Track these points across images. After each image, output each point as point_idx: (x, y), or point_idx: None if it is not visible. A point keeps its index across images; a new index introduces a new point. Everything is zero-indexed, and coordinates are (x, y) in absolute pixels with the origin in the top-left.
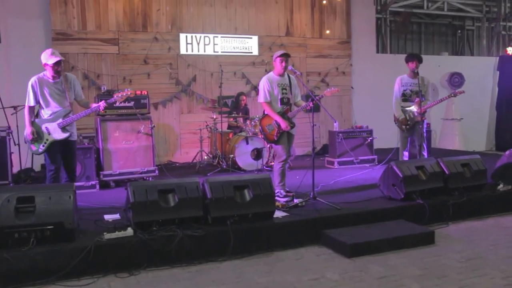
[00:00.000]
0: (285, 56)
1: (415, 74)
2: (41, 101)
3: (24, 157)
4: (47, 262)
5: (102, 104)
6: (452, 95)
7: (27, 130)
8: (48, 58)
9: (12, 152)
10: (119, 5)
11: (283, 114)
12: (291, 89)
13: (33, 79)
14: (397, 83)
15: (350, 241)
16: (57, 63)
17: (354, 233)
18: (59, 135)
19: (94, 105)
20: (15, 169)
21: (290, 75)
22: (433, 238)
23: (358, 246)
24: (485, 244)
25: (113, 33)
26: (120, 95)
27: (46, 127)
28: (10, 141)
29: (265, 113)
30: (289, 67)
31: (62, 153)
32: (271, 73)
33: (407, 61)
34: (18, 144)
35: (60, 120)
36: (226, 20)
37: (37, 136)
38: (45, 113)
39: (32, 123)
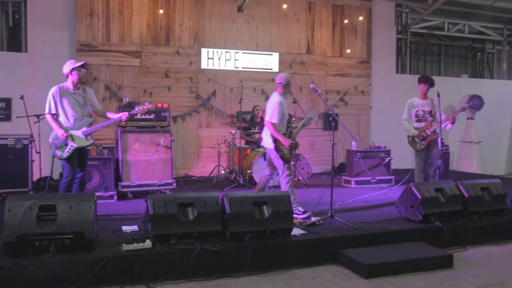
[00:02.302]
0: None
1: (425, 96)
2: (60, 111)
3: (44, 165)
4: (66, 271)
5: (124, 114)
6: (460, 110)
7: (59, 132)
8: (73, 64)
9: (33, 160)
10: (143, 19)
11: (290, 135)
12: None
13: (54, 89)
14: (407, 106)
15: (368, 261)
16: (84, 65)
17: (372, 253)
18: (83, 142)
19: (112, 114)
20: (35, 176)
21: (317, 93)
22: (451, 261)
23: (376, 267)
24: (505, 271)
25: (136, 46)
26: (141, 108)
27: (71, 134)
28: (32, 149)
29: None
30: (311, 85)
31: (78, 159)
32: (279, 94)
33: (419, 82)
34: (39, 152)
35: (85, 128)
36: (247, 36)
37: (64, 140)
38: (67, 121)
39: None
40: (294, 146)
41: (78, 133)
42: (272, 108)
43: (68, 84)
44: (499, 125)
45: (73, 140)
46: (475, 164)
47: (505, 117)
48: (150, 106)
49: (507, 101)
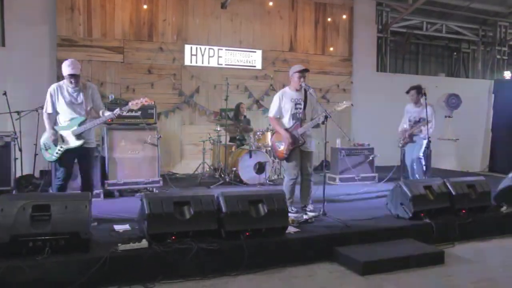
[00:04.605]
0: (304, 72)
1: (416, 103)
2: (58, 109)
3: (25, 162)
4: (61, 272)
5: (116, 111)
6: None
7: (48, 133)
8: (64, 69)
9: (17, 158)
10: (125, 14)
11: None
12: (306, 105)
13: (52, 87)
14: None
15: (363, 258)
16: (71, 76)
17: (366, 250)
18: (73, 142)
19: (107, 113)
20: (16, 175)
21: (309, 91)
22: (443, 258)
23: (371, 264)
24: (495, 266)
25: (118, 42)
26: (135, 102)
27: (61, 135)
28: (15, 146)
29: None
30: (303, 84)
31: (77, 160)
32: (286, 88)
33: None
34: (21, 150)
35: (75, 128)
36: (231, 33)
37: (53, 142)
38: (61, 121)
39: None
40: (294, 140)
41: (68, 133)
42: (272, 104)
43: (67, 81)
44: (476, 123)
45: (62, 140)
46: (452, 161)
47: (481, 115)
48: (145, 102)
49: (482, 99)
